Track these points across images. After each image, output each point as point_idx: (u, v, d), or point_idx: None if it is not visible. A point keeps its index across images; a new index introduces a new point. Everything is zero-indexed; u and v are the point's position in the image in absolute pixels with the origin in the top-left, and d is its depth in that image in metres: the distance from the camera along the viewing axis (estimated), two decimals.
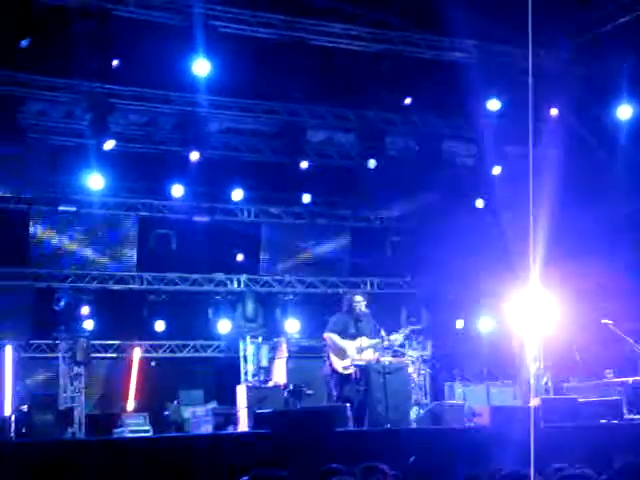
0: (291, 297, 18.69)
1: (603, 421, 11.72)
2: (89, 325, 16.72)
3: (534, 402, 12.57)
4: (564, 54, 15.55)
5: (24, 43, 13.27)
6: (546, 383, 16.36)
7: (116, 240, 17.52)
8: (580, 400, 12.34)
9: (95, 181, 15.28)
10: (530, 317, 15.13)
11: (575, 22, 15.04)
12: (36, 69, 14.25)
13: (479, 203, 17.76)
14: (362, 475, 5.56)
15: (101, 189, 15.59)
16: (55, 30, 13.47)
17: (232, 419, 14.15)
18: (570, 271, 17.13)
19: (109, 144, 14.83)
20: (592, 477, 5.16)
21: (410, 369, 13.35)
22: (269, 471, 6.17)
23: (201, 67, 13.97)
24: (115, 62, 13.93)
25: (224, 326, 18.06)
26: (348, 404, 11.76)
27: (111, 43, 13.91)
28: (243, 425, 13.54)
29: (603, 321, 13.78)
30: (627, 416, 12.59)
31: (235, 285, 18.49)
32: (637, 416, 12.75)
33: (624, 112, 15.38)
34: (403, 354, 13.68)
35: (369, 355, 12.41)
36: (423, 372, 14.36)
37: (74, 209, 16.71)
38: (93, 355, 16.55)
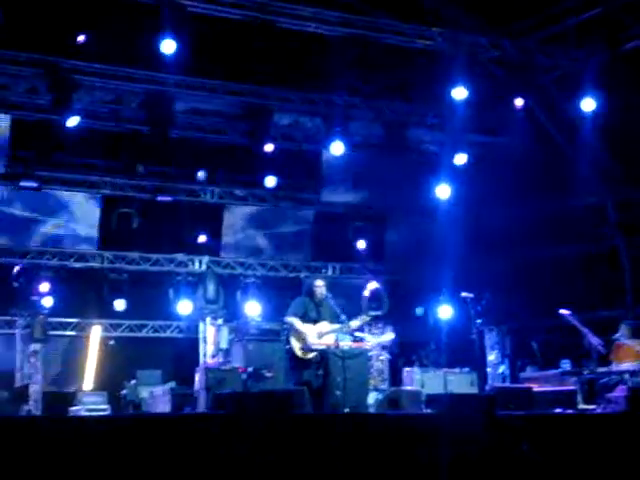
0: (252, 280, 18.67)
1: (557, 410, 11.84)
2: (48, 302, 16.60)
3: (491, 390, 12.67)
4: (530, 45, 15.62)
5: None
6: (503, 372, 16.52)
7: (78, 217, 17.39)
8: (535, 389, 12.47)
9: (59, 158, 15.13)
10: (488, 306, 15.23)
11: (542, 13, 15.11)
12: (0, 42, 14.07)
13: (442, 191, 17.82)
14: None
15: (64, 166, 15.45)
16: (21, 3, 13.33)
17: (190, 400, 14.13)
18: (530, 261, 17.33)
19: (73, 121, 14.69)
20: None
21: (369, 354, 13.40)
22: None
23: (168, 46, 13.86)
24: (81, 37, 13.81)
25: (184, 307, 18.01)
26: (306, 388, 11.80)
27: (77, 18, 13.78)
28: (201, 406, 13.53)
29: (560, 311, 13.90)
30: (581, 406, 12.74)
31: (197, 266, 18.45)
32: (591, 406, 12.90)
33: (587, 105, 15.47)
34: (362, 339, 13.72)
35: (329, 340, 12.44)
36: (382, 358, 14.41)
37: (36, 185, 16.55)
38: (51, 333, 16.44)
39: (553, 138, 17.12)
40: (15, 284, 16.16)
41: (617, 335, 14.10)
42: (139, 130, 15.83)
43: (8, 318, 16.60)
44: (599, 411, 12.11)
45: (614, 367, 13.87)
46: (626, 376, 13.61)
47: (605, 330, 14.73)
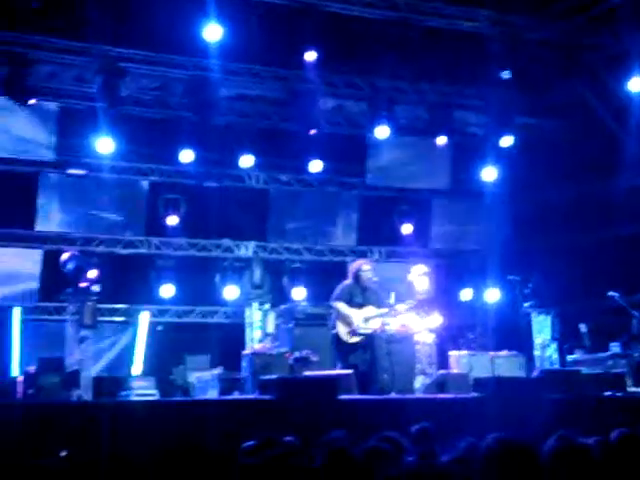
0: (298, 265, 18.71)
1: (607, 393, 11.76)
2: (96, 289, 16.76)
3: (539, 373, 12.60)
4: (577, 25, 15.42)
5: (35, 4, 13.24)
6: (551, 355, 16.41)
7: (125, 204, 17.54)
8: (584, 372, 12.40)
9: (105, 145, 15.26)
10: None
11: None
12: (47, 31, 14.21)
13: (488, 174, 17.71)
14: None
15: (111, 153, 15.58)
16: None
17: (237, 385, 14.21)
18: (577, 243, 17.17)
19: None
20: (592, 446, 5.20)
21: (416, 338, 13.39)
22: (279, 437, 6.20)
23: (212, 32, 13.91)
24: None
25: (231, 292, 18.09)
26: (353, 372, 11.82)
27: (123, 6, 13.87)
28: (248, 391, 13.61)
29: (609, 293, 13.80)
30: (631, 389, 12.64)
31: (243, 251, 18.51)
32: None
33: (636, 85, 15.28)
34: (409, 324, 13.70)
35: (375, 324, 12.46)
36: (429, 341, 14.38)
37: (83, 172, 16.72)
38: (100, 319, 16.60)
39: (601, 120, 16.91)
40: (64, 271, 16.31)
41: None
42: (185, 116, 15.89)
43: (58, 304, 16.78)
44: None
45: None
46: None
47: None
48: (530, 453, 4.10)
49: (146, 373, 16.39)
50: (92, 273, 16.52)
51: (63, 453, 7.52)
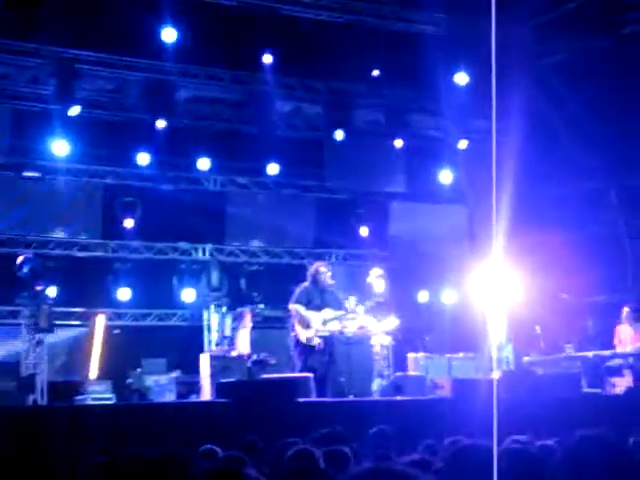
0: (256, 267, 18.69)
1: (562, 394, 11.88)
2: (52, 292, 16.62)
3: (495, 375, 12.70)
4: (531, 30, 15.59)
5: None
6: (507, 357, 16.55)
7: (81, 207, 17.40)
8: (540, 373, 12.51)
9: (60, 147, 15.15)
10: (493, 290, 15.26)
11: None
12: (2, 32, 14.08)
13: (445, 177, 17.83)
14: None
15: (66, 155, 15.46)
16: None
17: (195, 388, 14.17)
18: (532, 245, 17.32)
19: (74, 110, 14.71)
20: (553, 448, 5.25)
21: (373, 341, 13.43)
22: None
23: (169, 34, 13.88)
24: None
25: (188, 295, 18.02)
26: (312, 375, 11.83)
27: (79, 8, 13.78)
28: (206, 394, 13.57)
29: (563, 295, 13.95)
30: (586, 390, 12.78)
31: (200, 254, 18.44)
32: (596, 390, 12.94)
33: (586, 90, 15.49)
34: (366, 326, 13.74)
35: (333, 326, 12.48)
36: (386, 344, 14.43)
37: (38, 175, 16.57)
38: (56, 322, 16.46)
39: (553, 123, 17.10)
40: (19, 274, 16.16)
41: (620, 319, 14.15)
42: (141, 118, 15.83)
43: (13, 308, 16.61)
44: (604, 394, 12.17)
45: (618, 350, 13.92)
46: (630, 359, 13.67)
47: (608, 314, 14.78)
48: (487, 455, 4.13)
49: (102, 377, 16.26)
50: (48, 277, 16.40)
51: None
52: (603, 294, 16.63)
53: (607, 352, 13.90)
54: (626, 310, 14.16)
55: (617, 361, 13.80)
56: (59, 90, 14.54)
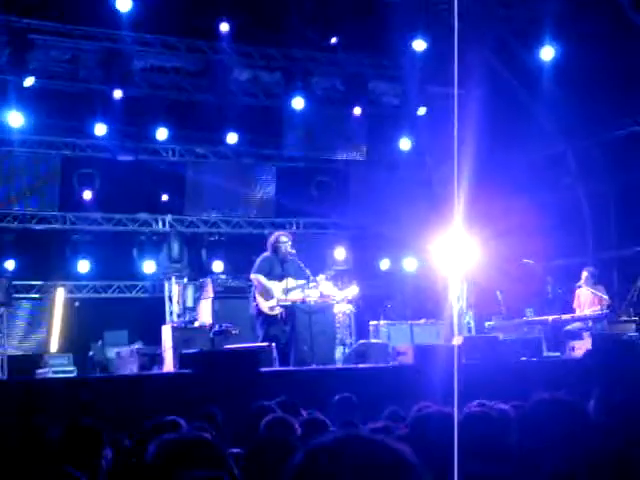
0: (217, 237, 18.62)
1: (523, 359, 11.99)
2: (10, 265, 16.47)
3: (456, 340, 12.78)
4: None
5: None
6: (468, 322, 16.66)
7: (38, 179, 17.21)
8: (501, 338, 12.61)
9: (15, 119, 14.94)
10: (453, 257, 15.33)
11: None
12: None
13: (404, 144, 17.82)
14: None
15: (21, 127, 15.26)
16: None
17: (157, 359, 14.13)
18: (492, 211, 17.40)
19: (29, 81, 14.50)
20: (507, 412, 5.29)
21: (335, 309, 13.45)
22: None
23: (124, 3, 13.70)
24: None
25: (149, 266, 17.93)
26: (274, 344, 11.83)
27: None
28: (169, 366, 13.53)
29: (524, 260, 14.03)
30: (546, 354, 12.91)
31: (160, 225, 18.33)
32: (556, 354, 13.08)
33: (546, 54, 15.53)
34: (328, 294, 13.75)
35: (295, 296, 12.47)
36: (348, 312, 14.47)
37: None
38: (15, 296, 16.32)
39: (513, 89, 17.14)
40: None
41: (580, 282, 14.27)
42: (97, 89, 15.64)
43: None
44: (563, 358, 12.30)
45: (577, 314, 14.06)
46: (589, 322, 13.81)
47: (568, 278, 14.90)
48: (450, 421, 4.15)
49: (63, 350, 16.17)
50: (5, 250, 16.24)
51: None
52: (562, 258, 16.77)
53: (567, 316, 14.02)
54: (585, 274, 14.27)
55: (576, 325, 13.94)
56: (12, 60, 14.32)
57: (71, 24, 14.85)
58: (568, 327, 13.89)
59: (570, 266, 16.08)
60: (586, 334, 13.41)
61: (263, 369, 10.37)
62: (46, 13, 14.38)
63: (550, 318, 14.00)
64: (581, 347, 12.85)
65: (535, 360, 12.07)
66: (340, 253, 18.56)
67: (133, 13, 14.06)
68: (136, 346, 15.08)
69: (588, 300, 14.15)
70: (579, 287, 14.26)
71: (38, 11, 14.24)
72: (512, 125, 16.69)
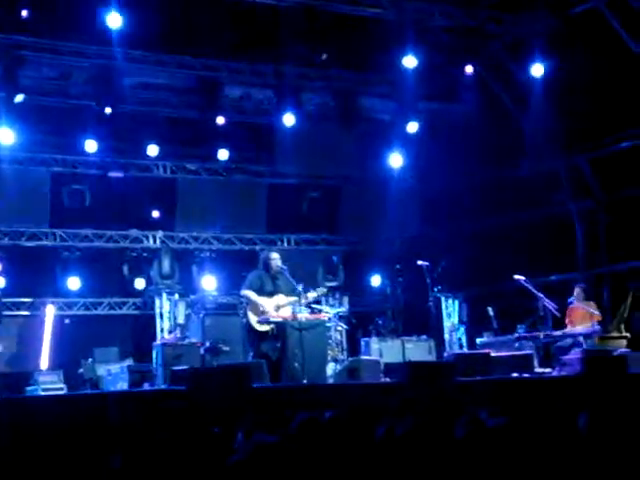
0: (208, 254, 18.58)
1: (514, 375, 11.95)
2: (1, 283, 16.41)
3: (449, 357, 12.76)
4: (479, 11, 15.62)
5: None
6: (460, 338, 16.64)
7: (28, 196, 17.15)
8: (493, 355, 12.58)
9: (5, 135, 14.90)
10: (445, 273, 15.34)
11: None
12: None
13: (395, 160, 17.82)
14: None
15: (12, 144, 15.22)
16: None
17: (148, 376, 14.06)
18: (485, 226, 17.43)
19: (19, 97, 14.48)
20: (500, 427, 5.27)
21: (327, 326, 13.42)
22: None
23: (114, 20, 13.70)
24: (24, 12, 13.60)
25: (139, 283, 17.89)
26: (265, 361, 11.79)
27: None
28: (160, 383, 13.47)
29: (515, 277, 14.01)
30: (537, 369, 12.87)
31: (151, 242, 18.29)
32: (547, 369, 13.04)
33: (537, 70, 15.58)
34: (320, 311, 13.73)
35: (286, 312, 12.44)
36: (340, 328, 14.44)
37: None
38: (5, 313, 16.26)
39: (504, 104, 17.18)
40: None
41: (571, 299, 14.27)
42: (88, 105, 15.62)
43: None
44: (555, 374, 12.26)
45: (569, 330, 14.04)
46: (580, 339, 13.79)
47: (559, 294, 14.90)
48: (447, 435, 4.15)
49: (53, 367, 16.09)
50: None
51: None
52: (554, 274, 16.78)
53: (558, 332, 14.01)
54: (577, 290, 14.29)
55: (568, 341, 13.92)
56: (3, 77, 14.29)
57: (62, 41, 14.82)
58: (560, 343, 13.88)
59: (562, 282, 16.09)
60: (578, 350, 13.39)
61: (255, 385, 10.33)
62: (37, 30, 14.36)
63: (541, 334, 13.97)
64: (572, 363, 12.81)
65: (526, 376, 12.03)
66: (331, 269, 18.55)
67: (123, 30, 14.05)
68: (126, 363, 15.00)
69: (579, 316, 14.14)
70: (571, 303, 14.25)
71: (29, 28, 14.21)
72: (503, 140, 16.71)
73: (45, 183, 17.21)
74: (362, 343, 15.15)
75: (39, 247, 17.48)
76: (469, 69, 16.10)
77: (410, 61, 15.34)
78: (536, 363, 13.00)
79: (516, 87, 16.75)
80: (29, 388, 14.08)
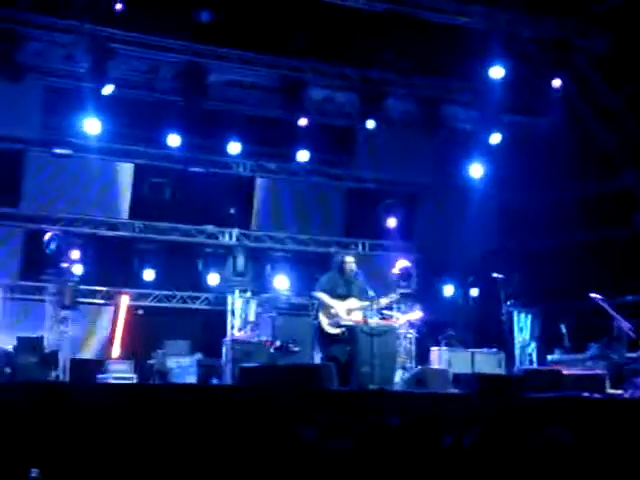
0: (282, 254, 18.66)
1: (585, 394, 11.77)
2: (78, 270, 16.66)
3: (519, 372, 12.62)
4: (568, 24, 15.44)
5: None
6: (530, 354, 16.44)
7: (110, 187, 17.43)
8: (564, 372, 12.41)
9: (92, 126, 15.16)
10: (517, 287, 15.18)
11: None
12: (37, 7, 14.09)
13: (475, 170, 17.67)
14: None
15: (98, 134, 15.48)
16: None
17: (217, 372, 14.17)
18: (559, 243, 17.21)
19: (108, 89, 14.71)
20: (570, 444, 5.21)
21: (397, 332, 13.37)
22: None
23: (204, 16, 13.86)
24: (118, 6, 13.81)
25: (213, 279, 18.04)
26: (334, 363, 11.79)
27: None
28: (227, 378, 13.57)
29: (591, 295, 13.80)
30: (609, 390, 12.66)
31: (227, 238, 18.43)
32: (618, 391, 12.83)
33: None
34: (391, 317, 13.70)
35: (357, 316, 12.42)
36: (410, 336, 14.38)
37: (69, 152, 16.60)
38: (80, 300, 16.52)
39: (588, 120, 16.94)
40: (46, 251, 16.20)
41: None
42: (173, 100, 15.80)
43: (38, 284, 16.67)
44: (626, 396, 12.05)
45: None
46: None
47: (635, 315, 14.63)
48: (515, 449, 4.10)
49: (125, 357, 16.31)
50: (74, 254, 16.43)
51: None
52: (630, 295, 16.48)
53: (633, 354, 13.75)
54: None
55: None
56: (93, 68, 14.53)
57: (151, 35, 15.03)
58: (633, 365, 13.62)
59: (638, 303, 15.79)
60: None
61: (323, 387, 10.33)
62: (127, 23, 14.57)
63: (615, 355, 13.74)
64: None
65: (597, 396, 11.84)
66: (405, 277, 18.46)
67: (213, 26, 14.19)
68: (196, 357, 15.14)
69: None
70: None
71: (120, 21, 14.43)
72: (584, 156, 16.48)
73: (127, 175, 17.47)
74: (431, 352, 15.06)
75: (117, 237, 17.74)
76: (557, 82, 15.87)
77: (497, 71, 15.22)
78: (608, 384, 12.79)
79: (602, 104, 16.49)
80: (100, 376, 14.29)
